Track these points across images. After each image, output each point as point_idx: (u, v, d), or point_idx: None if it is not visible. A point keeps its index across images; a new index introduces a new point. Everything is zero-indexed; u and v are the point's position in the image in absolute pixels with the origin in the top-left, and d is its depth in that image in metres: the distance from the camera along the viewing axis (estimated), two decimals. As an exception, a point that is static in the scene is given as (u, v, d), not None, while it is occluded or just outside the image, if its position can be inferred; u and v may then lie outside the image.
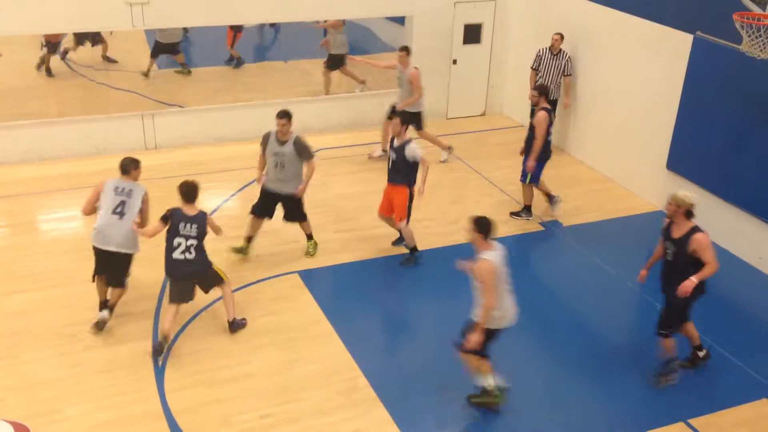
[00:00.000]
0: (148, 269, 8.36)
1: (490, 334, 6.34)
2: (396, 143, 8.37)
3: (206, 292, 7.45)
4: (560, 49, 11.27)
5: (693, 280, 6.47)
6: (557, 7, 11.86)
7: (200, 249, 7.14)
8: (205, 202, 10.08)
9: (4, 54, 14.54)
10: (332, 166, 11.25)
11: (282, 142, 8.27)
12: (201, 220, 7.12)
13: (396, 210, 8.51)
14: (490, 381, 6.53)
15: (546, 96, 9.43)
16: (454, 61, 13.04)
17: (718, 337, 7.67)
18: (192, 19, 11.31)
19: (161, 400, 6.57)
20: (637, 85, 10.44)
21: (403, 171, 8.35)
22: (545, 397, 6.90)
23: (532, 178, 9.64)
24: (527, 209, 9.88)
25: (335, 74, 13.12)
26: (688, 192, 6.67)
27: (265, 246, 8.98)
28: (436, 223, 9.68)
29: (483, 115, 13.58)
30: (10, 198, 9.95)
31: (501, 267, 6.15)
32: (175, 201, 9.80)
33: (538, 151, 9.38)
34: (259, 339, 7.42)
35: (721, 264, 8.93)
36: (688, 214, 6.56)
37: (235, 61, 14.03)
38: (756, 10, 7.62)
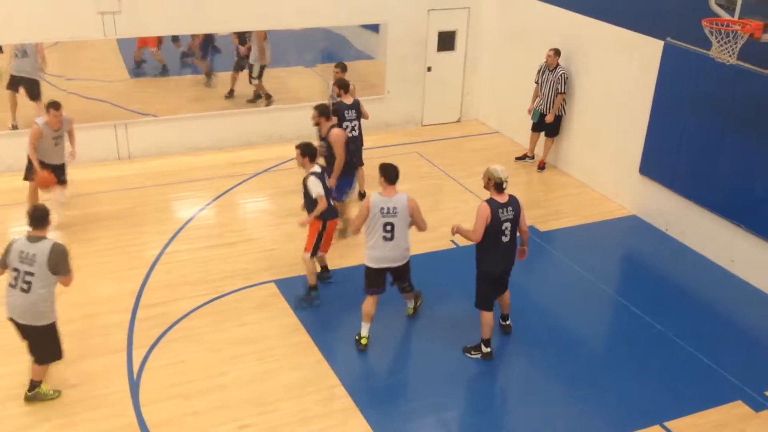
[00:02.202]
0: (122, 281, 8.29)
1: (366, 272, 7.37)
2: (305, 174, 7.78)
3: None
4: (557, 65, 11.05)
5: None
6: (529, 15, 11.96)
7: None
8: (180, 211, 10.05)
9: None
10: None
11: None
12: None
13: (307, 241, 7.94)
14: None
15: (326, 116, 8.94)
16: (429, 68, 13.09)
17: (693, 340, 7.74)
18: (164, 28, 11.23)
19: (136, 413, 6.49)
20: (610, 90, 10.55)
21: (309, 202, 7.79)
22: (523, 400, 6.91)
23: (340, 195, 9.09)
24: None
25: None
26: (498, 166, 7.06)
27: (241, 255, 8.92)
28: (413, 230, 9.65)
29: (458, 121, 13.64)
30: (-21, 210, 9.80)
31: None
32: (145, 213, 9.76)
33: (339, 170, 8.85)
34: (235, 349, 7.36)
35: (695, 268, 9.15)
36: (498, 186, 6.96)
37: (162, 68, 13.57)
38: (725, 15, 7.73)
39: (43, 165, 9.01)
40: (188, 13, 11.11)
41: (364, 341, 7.45)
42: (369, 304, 7.38)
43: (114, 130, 11.36)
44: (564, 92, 11.07)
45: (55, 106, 8.95)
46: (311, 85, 13.54)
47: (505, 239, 6.98)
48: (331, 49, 14.47)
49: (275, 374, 7.06)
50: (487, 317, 7.26)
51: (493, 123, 13.36)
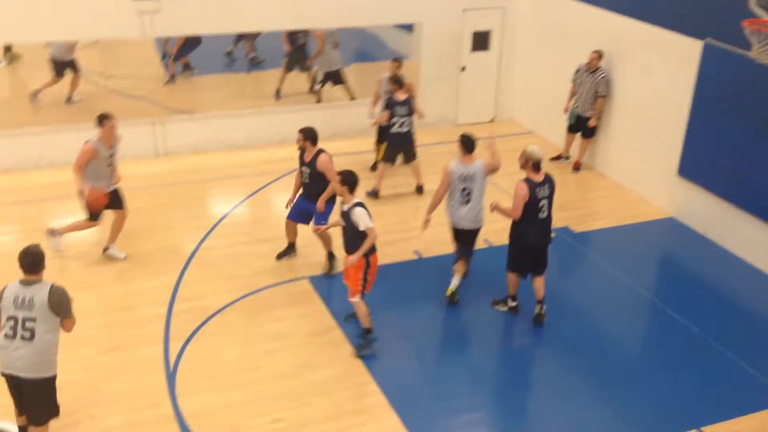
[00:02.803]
0: (159, 275, 8.42)
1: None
2: (343, 207, 7.15)
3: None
4: (598, 67, 10.89)
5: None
6: (565, 14, 11.87)
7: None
8: (215, 207, 10.16)
9: (16, 62, 14.63)
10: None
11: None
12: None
13: (350, 283, 7.29)
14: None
15: (312, 141, 8.18)
16: (463, 68, 13.06)
17: (731, 345, 7.63)
18: (202, 27, 11.37)
19: (173, 404, 6.58)
20: (648, 91, 10.42)
21: (351, 237, 7.10)
22: (556, 403, 6.86)
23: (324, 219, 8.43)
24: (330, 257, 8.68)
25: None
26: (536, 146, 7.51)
27: (275, 251, 8.98)
28: (446, 230, 9.64)
29: (492, 121, 13.58)
30: (23, 204, 10.01)
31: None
32: (180, 208, 9.87)
33: (329, 194, 8.25)
34: (269, 344, 7.43)
35: (734, 271, 9.01)
36: (535, 166, 7.39)
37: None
38: (765, 16, 7.61)
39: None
40: (224, 12, 11.20)
41: (449, 292, 8.11)
42: (461, 263, 8.16)
43: (152, 127, 11.53)
44: (605, 95, 10.94)
45: (107, 116, 8.19)
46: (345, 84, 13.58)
47: (542, 215, 7.47)
48: (365, 49, 14.54)
49: (308, 370, 7.10)
50: (513, 276, 7.88)
51: (528, 123, 13.29)
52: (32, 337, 5.40)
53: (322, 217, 8.42)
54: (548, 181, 7.50)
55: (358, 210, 6.93)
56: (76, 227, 8.63)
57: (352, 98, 12.82)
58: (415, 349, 7.51)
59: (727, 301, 8.51)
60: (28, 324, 5.40)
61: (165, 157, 11.62)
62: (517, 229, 7.61)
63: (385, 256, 8.93)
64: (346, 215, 7.04)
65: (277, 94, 12.81)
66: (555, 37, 12.23)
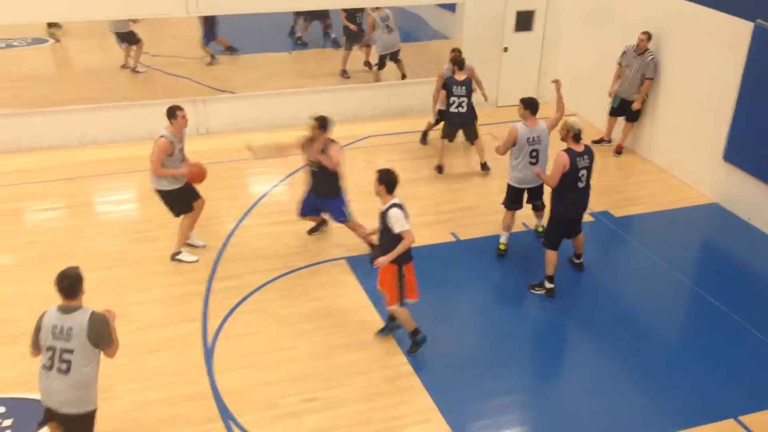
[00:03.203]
0: (199, 253, 8.55)
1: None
2: (381, 208, 6.76)
3: None
4: (646, 49, 10.64)
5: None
6: (612, -6, 11.62)
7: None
8: (254, 187, 10.26)
9: (62, 40, 14.95)
10: (378, 153, 11.27)
11: None
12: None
13: (386, 291, 6.94)
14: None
15: (324, 128, 8.19)
16: (505, 49, 12.89)
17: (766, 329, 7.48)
18: (244, 5, 11.41)
19: (210, 381, 6.71)
20: (694, 74, 10.16)
21: (387, 239, 6.72)
22: (591, 388, 6.82)
23: (341, 215, 8.45)
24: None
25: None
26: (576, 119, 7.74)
27: (293, 232, 9.04)
28: (482, 212, 9.62)
29: (534, 103, 13.39)
30: (67, 181, 10.24)
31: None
32: (219, 187, 9.97)
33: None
34: (305, 324, 7.51)
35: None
36: (576, 137, 7.59)
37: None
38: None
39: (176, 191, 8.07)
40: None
41: (502, 247, 8.66)
42: (508, 217, 8.60)
43: (193, 106, 11.66)
44: (652, 78, 10.70)
45: (179, 107, 7.91)
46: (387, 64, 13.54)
47: (581, 185, 7.67)
48: (408, 29, 14.45)
49: (342, 350, 7.17)
50: (552, 256, 7.93)
51: (571, 105, 12.95)
52: (68, 370, 5.08)
53: (339, 214, 8.39)
54: (588, 151, 7.66)
55: (394, 211, 6.55)
56: (183, 235, 8.40)
57: (404, 77, 12.81)
58: (450, 331, 7.51)
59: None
60: (65, 356, 5.07)
61: (206, 135, 11.75)
62: (556, 199, 7.79)
63: (421, 238, 8.95)
64: (382, 216, 6.69)
65: (344, 73, 13.03)
66: (600, 18, 11.98)
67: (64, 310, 5.14)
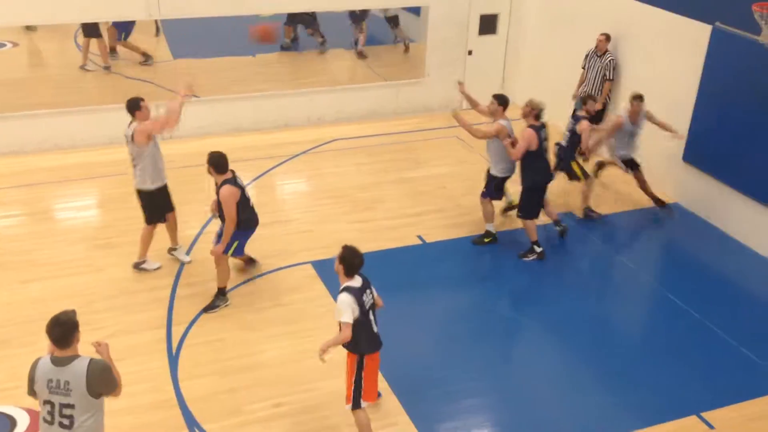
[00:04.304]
0: (162, 259, 8.44)
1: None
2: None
3: None
4: (605, 51, 10.80)
5: None
6: (574, -2, 11.76)
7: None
8: (219, 192, 10.16)
9: (20, 44, 14.65)
10: (348, 156, 11.26)
11: None
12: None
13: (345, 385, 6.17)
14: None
15: (217, 168, 7.65)
16: (470, 52, 12.97)
17: (733, 331, 7.61)
18: (208, 9, 11.31)
19: (175, 388, 6.63)
20: (655, 76, 10.32)
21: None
22: (557, 389, 6.88)
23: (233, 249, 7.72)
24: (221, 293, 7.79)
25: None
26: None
27: (278, 236, 9.00)
28: (447, 215, 9.67)
29: (498, 105, 13.49)
30: (27, 187, 10.05)
31: None
32: (185, 192, 9.86)
33: (230, 233, 7.50)
34: (272, 329, 7.46)
35: (737, 257, 8.99)
36: (538, 116, 8.41)
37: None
38: (776, 0, 7.52)
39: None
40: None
41: (494, 235, 9.07)
42: (490, 206, 9.02)
43: (156, 111, 11.46)
44: (612, 79, 10.87)
45: (141, 99, 7.92)
46: (351, 67, 13.58)
47: (545, 156, 8.55)
48: (373, 32, 14.48)
49: (311, 354, 7.07)
50: (532, 223, 8.68)
51: (534, 108, 13.18)
52: (71, 425, 4.62)
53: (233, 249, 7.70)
54: (545, 126, 8.55)
55: (341, 298, 5.73)
56: (145, 244, 8.20)
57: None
58: (418, 334, 7.53)
59: (729, 287, 8.49)
60: (66, 411, 4.60)
61: (170, 140, 11.59)
62: (530, 175, 8.52)
63: (387, 242, 8.98)
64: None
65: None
66: (563, 22, 12.12)
67: (58, 362, 4.58)
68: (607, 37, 10.79)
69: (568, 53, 11.73)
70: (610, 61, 10.78)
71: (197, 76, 13.57)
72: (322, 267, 8.45)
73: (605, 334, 7.61)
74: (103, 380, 4.67)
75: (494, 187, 8.95)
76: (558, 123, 12.38)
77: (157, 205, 8.15)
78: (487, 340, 7.52)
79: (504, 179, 8.93)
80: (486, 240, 9.07)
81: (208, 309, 7.67)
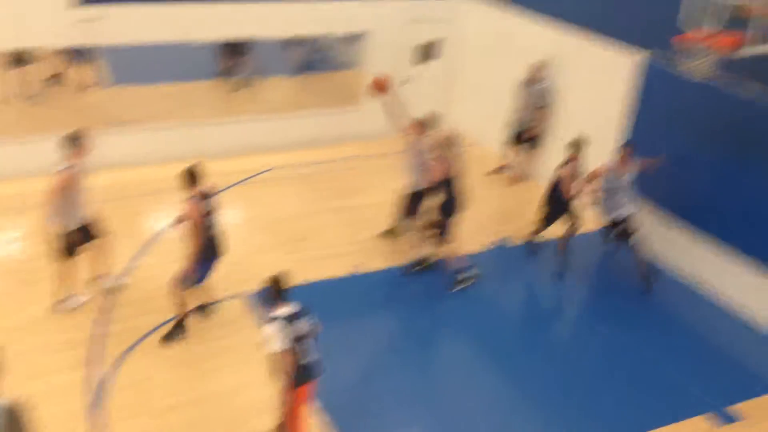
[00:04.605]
0: (83, 295, 8.14)
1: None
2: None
3: None
4: (539, 78, 11.01)
5: None
6: (510, 27, 11.92)
7: None
8: (150, 224, 9.91)
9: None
10: (284, 185, 11.12)
11: None
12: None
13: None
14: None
15: (191, 182, 7.34)
16: (408, 79, 13.02)
17: (660, 354, 7.75)
18: (142, 36, 11.10)
19: (99, 432, 6.35)
20: (588, 103, 10.53)
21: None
22: (490, 414, 6.87)
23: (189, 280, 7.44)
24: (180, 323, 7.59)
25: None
26: None
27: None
28: (383, 244, 9.59)
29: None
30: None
31: None
32: (116, 224, 9.56)
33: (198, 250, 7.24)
34: (204, 364, 7.24)
35: (667, 282, 9.12)
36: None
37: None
38: (700, 32, 7.71)
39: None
40: (168, 21, 10.97)
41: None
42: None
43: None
44: (545, 105, 11.03)
45: (83, 134, 7.55)
46: (288, 94, 13.49)
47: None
48: (312, 59, 14.45)
49: (246, 389, 6.94)
50: (449, 246, 8.64)
51: (473, 134, 13.29)
52: None
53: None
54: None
55: (266, 329, 5.63)
56: (64, 281, 7.85)
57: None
58: (355, 365, 7.41)
59: (658, 311, 8.64)
60: None
61: (99, 171, 11.26)
62: (444, 202, 8.50)
63: (325, 271, 8.85)
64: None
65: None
66: (498, 50, 12.28)
67: None
68: (541, 65, 10.96)
69: (504, 80, 11.88)
70: (543, 88, 10.95)
71: (130, 103, 13.31)
72: (254, 300, 8.26)
73: (542, 358, 7.64)
74: (25, 424, 4.32)
75: (414, 208, 8.94)
76: (494, 149, 12.54)
77: (65, 244, 7.75)
78: (424, 369, 7.45)
79: (420, 195, 8.81)
80: (418, 267, 9.00)
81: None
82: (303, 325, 5.75)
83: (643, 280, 8.89)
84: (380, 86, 8.55)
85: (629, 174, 8.79)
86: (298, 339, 5.68)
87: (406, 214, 9.03)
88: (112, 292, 8.19)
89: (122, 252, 9.07)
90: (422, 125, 8.70)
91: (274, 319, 5.63)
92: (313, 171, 11.60)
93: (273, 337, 5.57)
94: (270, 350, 5.59)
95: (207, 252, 7.33)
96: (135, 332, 7.59)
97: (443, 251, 8.78)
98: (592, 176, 8.89)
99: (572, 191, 8.90)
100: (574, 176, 8.89)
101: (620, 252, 9.22)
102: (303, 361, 5.75)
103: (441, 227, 8.65)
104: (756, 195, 8.27)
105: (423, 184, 8.76)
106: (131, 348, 7.39)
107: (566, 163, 8.95)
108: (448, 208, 8.57)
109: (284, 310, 5.69)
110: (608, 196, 8.84)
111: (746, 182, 8.37)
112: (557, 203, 9.08)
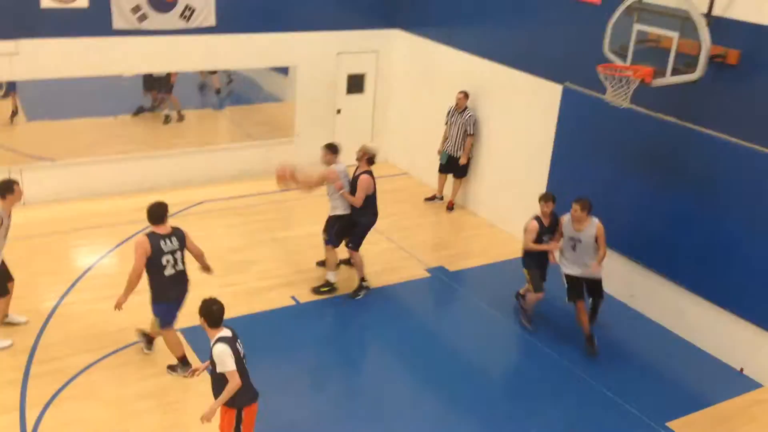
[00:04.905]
0: (14, 336, 7.81)
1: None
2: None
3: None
4: (465, 107, 11.32)
5: None
6: (436, 58, 12.21)
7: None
8: (78, 260, 9.62)
9: None
10: (218, 218, 10.98)
11: None
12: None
13: None
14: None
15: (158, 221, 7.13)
16: (339, 111, 13.14)
17: (598, 375, 7.91)
18: (64, 71, 10.86)
19: (27, 479, 6.06)
20: (515, 132, 10.83)
21: (217, 381, 5.72)
22: (437, 446, 6.85)
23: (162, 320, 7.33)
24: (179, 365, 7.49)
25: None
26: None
27: (144, 304, 8.53)
28: (321, 274, 9.56)
29: (368, 163, 13.67)
30: None
31: None
32: (39, 262, 9.27)
33: (132, 287, 7.14)
34: (139, 403, 7.02)
35: (608, 304, 9.34)
36: (370, 160, 8.76)
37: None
38: (618, 62, 8.10)
39: None
40: (91, 55, 10.79)
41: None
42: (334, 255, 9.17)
43: (8, 175, 10.80)
44: (473, 134, 11.32)
45: (15, 182, 7.43)
46: (219, 127, 13.38)
47: (375, 200, 9.01)
48: (240, 92, 14.37)
49: (182, 428, 6.76)
50: (360, 258, 9.04)
51: (403, 164, 13.49)
52: None
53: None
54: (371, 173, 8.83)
55: (218, 348, 5.59)
56: None
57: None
58: (293, 395, 7.31)
59: (597, 332, 8.83)
60: None
61: (23, 207, 10.90)
62: (368, 215, 8.89)
63: (261, 303, 8.76)
64: (210, 353, 5.69)
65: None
66: (426, 80, 12.55)
67: None
68: (466, 95, 11.27)
69: (433, 110, 12.14)
70: (469, 117, 11.25)
71: (55, 138, 12.93)
72: (192, 334, 8.07)
73: (481, 387, 7.69)
74: None
75: (335, 232, 8.97)
76: (424, 178, 12.74)
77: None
78: (361, 396, 7.42)
79: (345, 218, 8.94)
80: (323, 290, 9.06)
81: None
82: (241, 347, 5.79)
83: (589, 341, 8.37)
84: (282, 177, 8.70)
85: (587, 231, 8.19)
86: (241, 359, 5.71)
87: (335, 238, 9.07)
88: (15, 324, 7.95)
89: (49, 290, 8.78)
90: (333, 151, 8.80)
91: (220, 339, 5.63)
92: (247, 203, 11.51)
93: (225, 357, 5.56)
94: (226, 370, 5.56)
95: (165, 292, 7.15)
96: (65, 373, 7.32)
97: (356, 260, 9.02)
98: (529, 232, 8.47)
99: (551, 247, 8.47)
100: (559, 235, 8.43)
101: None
102: (247, 382, 5.76)
103: (355, 242, 8.95)
104: (674, 219, 8.63)
105: (342, 210, 8.93)
106: (62, 389, 7.11)
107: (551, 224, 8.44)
108: (364, 226, 8.92)
109: (225, 332, 5.71)
110: (566, 252, 8.42)
111: (666, 207, 8.72)
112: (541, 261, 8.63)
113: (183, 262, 7.20)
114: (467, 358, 8.15)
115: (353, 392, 7.54)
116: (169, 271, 7.06)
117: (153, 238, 7.01)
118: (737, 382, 8.01)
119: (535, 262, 8.60)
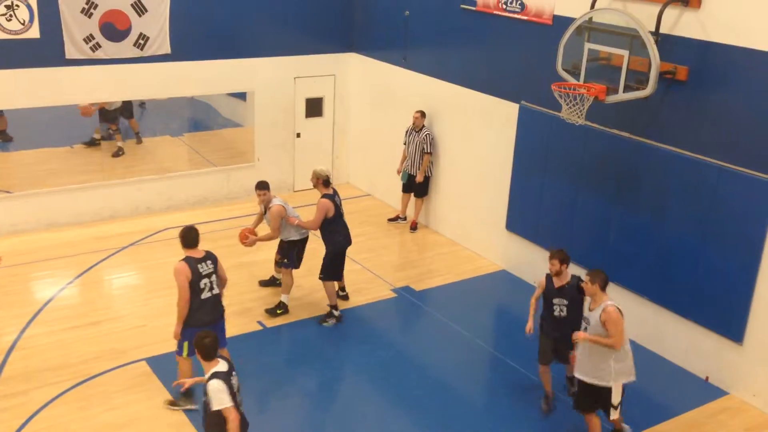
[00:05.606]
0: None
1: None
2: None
3: None
4: (422, 126, 11.47)
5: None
6: (392, 79, 12.35)
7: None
8: (38, 292, 9.43)
9: None
10: (176, 246, 10.84)
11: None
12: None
13: None
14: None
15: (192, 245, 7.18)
16: (298, 135, 13.18)
17: (563, 388, 8.00)
18: (16, 101, 10.72)
19: None
20: (474, 150, 10.98)
21: (209, 417, 5.63)
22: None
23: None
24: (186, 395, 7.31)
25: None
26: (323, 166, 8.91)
27: (107, 334, 8.43)
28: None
29: (330, 186, 13.71)
30: None
31: None
32: (1, 295, 9.07)
33: (183, 314, 7.00)
34: (106, 437, 6.90)
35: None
36: (325, 183, 8.74)
37: None
38: (571, 80, 8.32)
39: None
40: (45, 85, 10.67)
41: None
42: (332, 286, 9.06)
43: None
44: (430, 152, 11.46)
45: None
46: (178, 154, 13.29)
47: (343, 219, 8.94)
48: (198, 118, 14.32)
49: (150, 460, 6.66)
50: (332, 286, 8.98)
51: (364, 186, 13.56)
52: None
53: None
54: (336, 192, 8.86)
55: (213, 385, 5.50)
56: None
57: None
58: (264, 422, 7.25)
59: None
60: None
61: (-21, 240, 10.68)
62: (332, 240, 8.84)
63: (228, 328, 8.67)
64: (204, 388, 5.60)
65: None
66: (383, 102, 12.67)
67: None
68: (423, 114, 11.44)
69: (391, 131, 12.27)
70: (426, 135, 11.40)
71: (10, 168, 12.70)
72: (157, 363, 7.99)
73: (449, 403, 7.71)
74: None
75: (296, 255, 9.04)
76: (387, 200, 12.82)
77: None
78: (332, 417, 7.39)
79: (303, 241, 9.05)
80: (279, 312, 9.08)
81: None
82: (235, 381, 5.70)
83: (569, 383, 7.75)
84: (245, 237, 8.97)
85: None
86: (235, 393, 5.62)
87: (296, 262, 9.13)
88: None
89: (9, 323, 8.59)
90: (266, 188, 8.88)
91: (215, 375, 5.54)
92: (210, 229, 11.42)
93: (220, 394, 5.46)
94: (222, 407, 5.45)
95: (200, 316, 7.00)
96: (27, 407, 7.15)
97: (328, 289, 8.98)
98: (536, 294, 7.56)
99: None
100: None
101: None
102: (240, 415, 5.65)
103: (324, 272, 8.92)
104: (632, 231, 8.82)
105: (298, 236, 9.00)
106: (24, 425, 6.94)
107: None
108: (331, 254, 8.91)
109: (221, 365, 5.62)
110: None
111: (624, 220, 8.91)
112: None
113: (219, 285, 7.19)
114: (436, 376, 8.18)
115: (323, 414, 7.50)
116: (206, 295, 7.01)
117: (191, 262, 6.98)
118: (703, 391, 8.14)
119: (549, 326, 7.33)
